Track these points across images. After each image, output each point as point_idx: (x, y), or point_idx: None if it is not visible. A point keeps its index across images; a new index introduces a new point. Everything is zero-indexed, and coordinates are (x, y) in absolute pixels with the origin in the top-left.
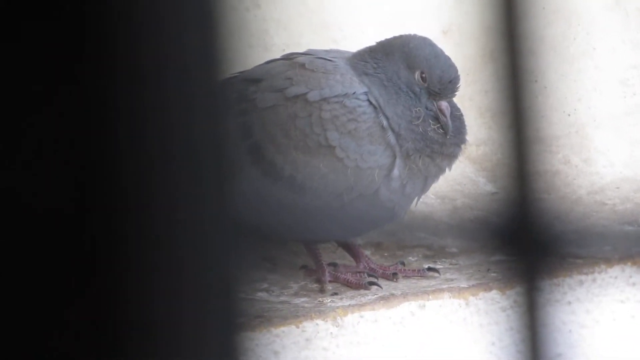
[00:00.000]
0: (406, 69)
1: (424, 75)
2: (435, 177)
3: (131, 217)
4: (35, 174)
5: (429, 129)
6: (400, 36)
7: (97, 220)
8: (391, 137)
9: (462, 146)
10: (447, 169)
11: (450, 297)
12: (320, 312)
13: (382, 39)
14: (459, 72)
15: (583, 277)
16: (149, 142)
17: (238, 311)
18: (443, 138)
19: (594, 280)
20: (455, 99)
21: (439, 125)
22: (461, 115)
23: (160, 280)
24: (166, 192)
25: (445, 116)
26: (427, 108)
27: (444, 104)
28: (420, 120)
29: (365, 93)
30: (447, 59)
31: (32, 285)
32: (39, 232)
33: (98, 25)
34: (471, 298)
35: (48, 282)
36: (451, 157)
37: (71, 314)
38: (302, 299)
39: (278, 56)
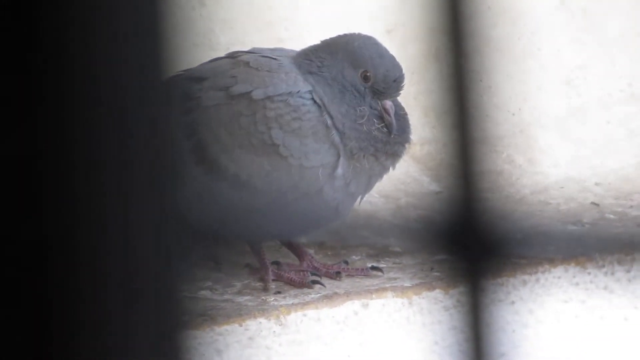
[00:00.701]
0: (350, 68)
1: (368, 74)
2: (379, 176)
3: (72, 216)
4: None
5: (373, 127)
6: (345, 35)
7: (38, 220)
8: (335, 136)
9: (407, 145)
10: (391, 168)
11: (393, 296)
12: (263, 310)
13: (327, 38)
14: (404, 71)
15: (527, 277)
16: (90, 140)
17: (181, 309)
18: (387, 137)
19: (537, 280)
20: (399, 98)
21: (383, 124)
22: (405, 114)
23: (102, 279)
24: (108, 191)
25: (389, 115)
26: (371, 107)
27: (388, 103)
28: (364, 120)
29: (310, 92)
30: (392, 58)
31: None
32: None
33: (42, 22)
34: (414, 297)
35: None
36: (395, 156)
37: (14, 312)
38: (246, 298)
39: (223, 55)
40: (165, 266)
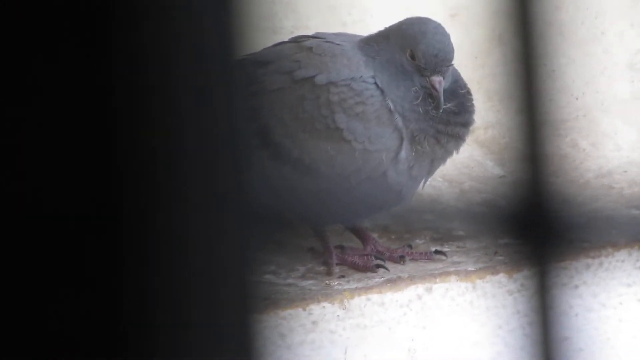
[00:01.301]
0: (400, 50)
1: (412, 53)
2: (442, 159)
3: (146, 200)
4: (41, 168)
5: (429, 108)
6: (402, 20)
7: (112, 206)
8: (398, 120)
9: (469, 127)
10: (454, 151)
11: (457, 280)
12: (327, 294)
13: (390, 22)
14: (448, 46)
15: (590, 261)
16: (163, 124)
17: (247, 293)
18: (448, 116)
19: (600, 263)
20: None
21: (434, 102)
22: (467, 93)
23: (167, 265)
24: (180, 175)
25: (436, 90)
26: (422, 86)
27: (436, 79)
28: (419, 100)
29: (372, 77)
30: (435, 34)
31: (37, 280)
32: (49, 230)
33: (111, 7)
34: (478, 281)
35: (62, 272)
36: (457, 138)
37: (89, 295)
38: (309, 282)
39: (286, 39)
40: (236, 250)
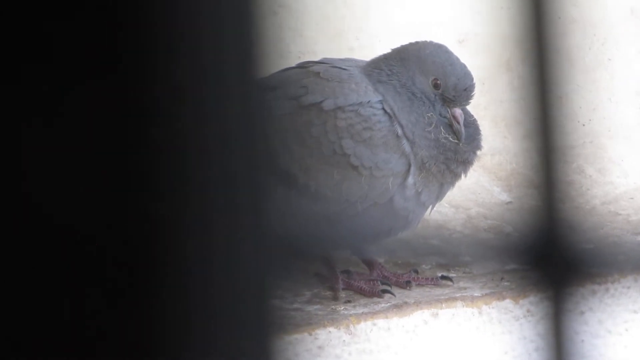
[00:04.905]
0: (421, 75)
1: (438, 82)
2: (451, 184)
3: (164, 223)
4: (58, 182)
5: (440, 136)
6: (416, 42)
7: (131, 230)
8: (406, 146)
9: (477, 152)
10: (462, 175)
11: (463, 306)
12: (333, 319)
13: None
14: (474, 81)
15: (596, 287)
16: (183, 147)
17: (262, 319)
18: (456, 145)
19: (607, 290)
20: (470, 108)
21: (451, 133)
22: (475, 120)
23: (180, 291)
24: (200, 198)
25: (458, 123)
26: (440, 115)
27: (457, 111)
28: (432, 127)
29: (380, 102)
30: (463, 66)
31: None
32: (63, 241)
33: (136, 31)
34: (484, 307)
35: (80, 295)
36: (466, 163)
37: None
38: (315, 307)
39: (293, 64)
40: (253, 275)
